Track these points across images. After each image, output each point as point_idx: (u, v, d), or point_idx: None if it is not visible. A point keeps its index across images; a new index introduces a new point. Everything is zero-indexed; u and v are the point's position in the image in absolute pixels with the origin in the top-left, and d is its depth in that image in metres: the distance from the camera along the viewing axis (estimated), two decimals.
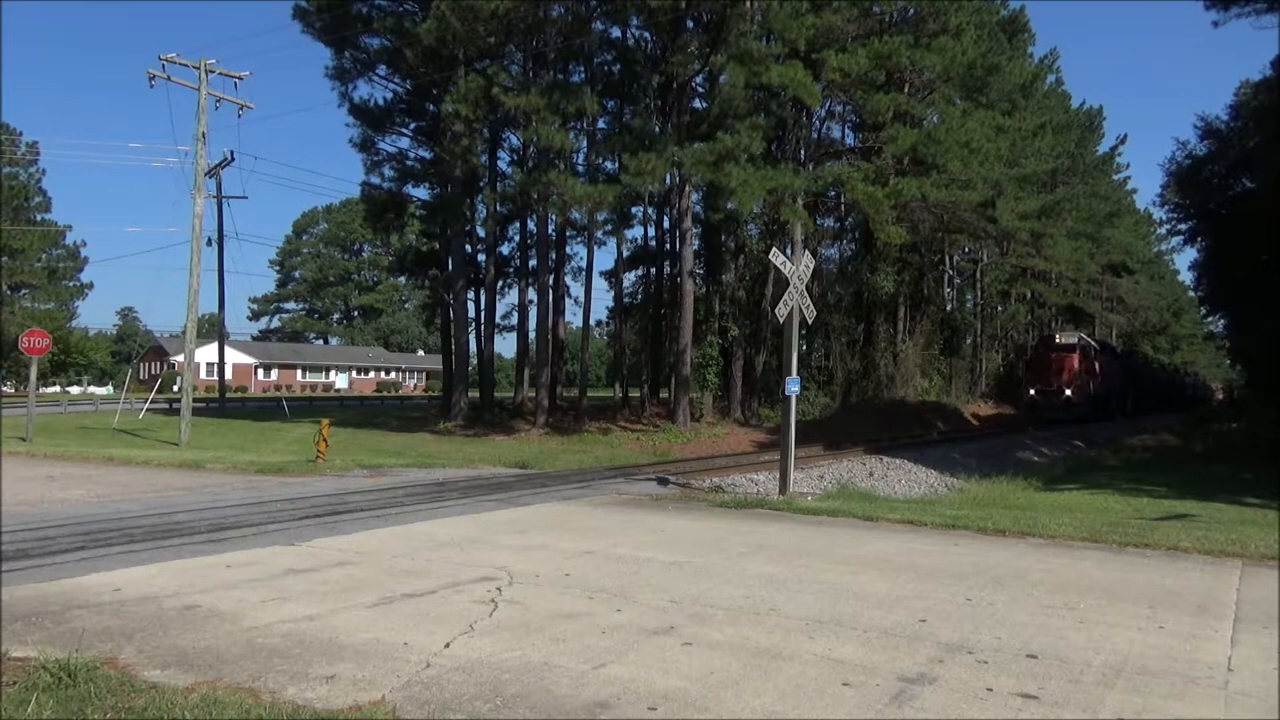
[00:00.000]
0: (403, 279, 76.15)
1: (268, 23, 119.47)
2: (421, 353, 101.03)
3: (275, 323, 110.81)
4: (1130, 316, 67.87)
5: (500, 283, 37.97)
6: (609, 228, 38.13)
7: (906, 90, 32.35)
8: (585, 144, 32.55)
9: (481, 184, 33.27)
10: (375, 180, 35.28)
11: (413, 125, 35.27)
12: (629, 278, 42.50)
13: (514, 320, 40.42)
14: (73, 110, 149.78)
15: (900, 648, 5.13)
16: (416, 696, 4.22)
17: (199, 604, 6.03)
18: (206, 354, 60.15)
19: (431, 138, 33.41)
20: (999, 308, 57.97)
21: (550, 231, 32.46)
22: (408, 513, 11.00)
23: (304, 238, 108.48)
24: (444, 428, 29.86)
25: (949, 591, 6.64)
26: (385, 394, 76.05)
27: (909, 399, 39.08)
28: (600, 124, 33.21)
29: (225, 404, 40.31)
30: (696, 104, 31.36)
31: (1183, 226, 47.11)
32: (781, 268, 13.32)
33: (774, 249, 15.43)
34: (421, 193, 36.41)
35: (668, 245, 35.85)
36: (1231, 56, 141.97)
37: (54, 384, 65.67)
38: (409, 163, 35.12)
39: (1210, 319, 70.86)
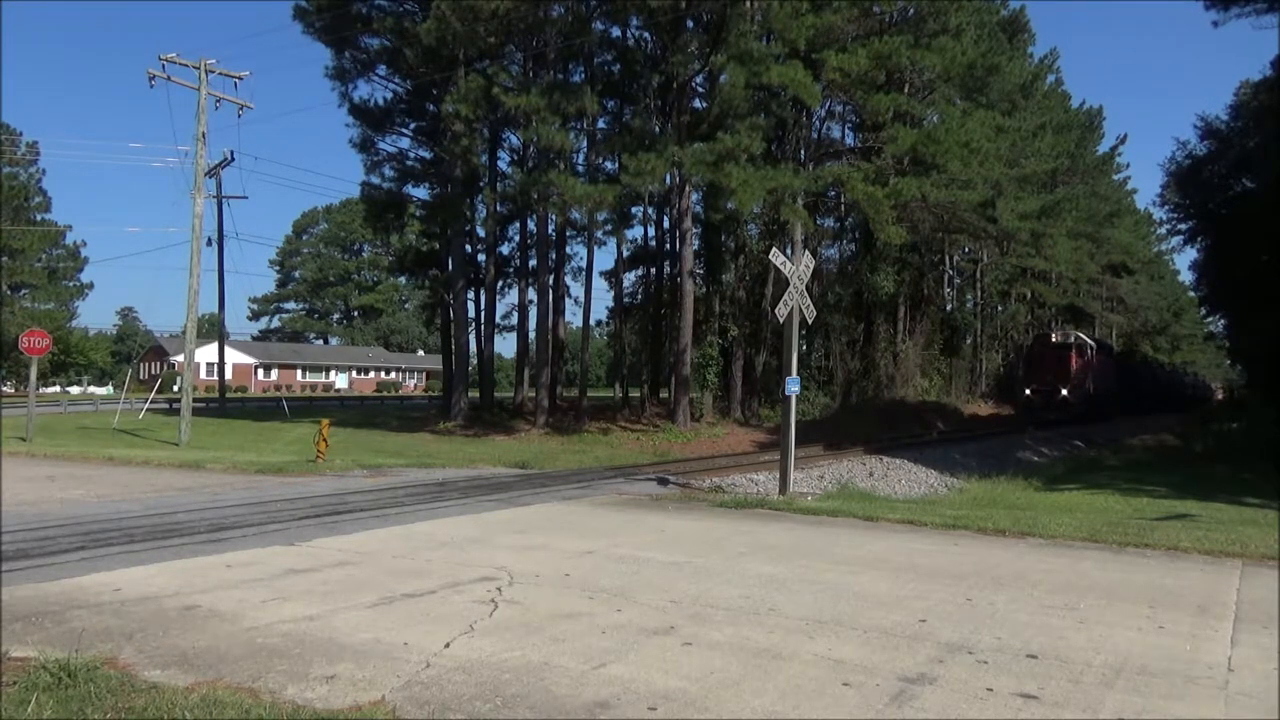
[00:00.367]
0: (403, 279, 76.23)
1: (268, 23, 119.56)
2: (421, 353, 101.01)
3: (275, 323, 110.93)
4: (1130, 316, 67.87)
5: (500, 283, 37.98)
6: (609, 228, 38.16)
7: (906, 90, 32.36)
8: (585, 144, 32.58)
9: (481, 184, 33.27)
10: (375, 180, 35.37)
11: (413, 125, 35.33)
12: (629, 278, 42.57)
13: (514, 320, 40.47)
14: (73, 110, 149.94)
15: (900, 648, 5.13)
16: (416, 696, 4.22)
17: (199, 604, 6.03)
18: (206, 354, 60.14)
19: (431, 138, 33.42)
20: (999, 308, 57.98)
21: (550, 231, 32.46)
22: (408, 513, 11.00)
23: (304, 238, 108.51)
24: (444, 428, 29.87)
25: (949, 591, 6.64)
26: (385, 394, 76.04)
27: (909, 399, 39.09)
28: (600, 124, 33.28)
29: (225, 404, 40.32)
30: (696, 104, 31.39)
31: (1183, 226, 47.20)
32: (781, 268, 13.32)
33: (774, 249, 15.43)
34: (421, 193, 36.48)
35: (668, 245, 35.86)
36: (1231, 56, 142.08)
37: (54, 384, 65.69)
38: (409, 163, 35.19)
39: (1210, 319, 70.92)
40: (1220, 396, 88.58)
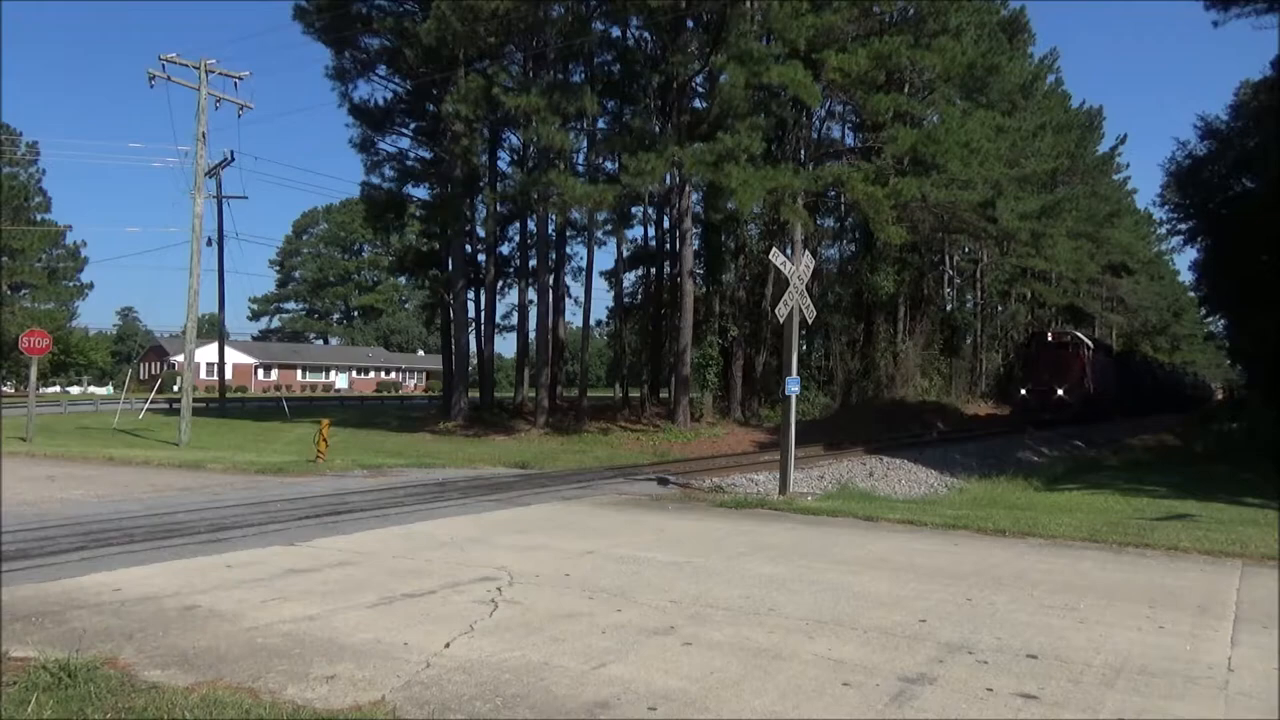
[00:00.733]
0: (403, 279, 76.15)
1: (268, 23, 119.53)
2: (421, 353, 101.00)
3: (275, 323, 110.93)
4: (1130, 316, 67.89)
5: (500, 283, 37.98)
6: (609, 228, 38.18)
7: (906, 90, 32.39)
8: (585, 144, 32.62)
9: (481, 184, 33.27)
10: (375, 180, 35.34)
11: (413, 125, 35.30)
12: (629, 278, 42.57)
13: (514, 320, 40.50)
14: (73, 110, 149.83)
15: (900, 648, 5.13)
16: (416, 696, 4.22)
17: (199, 604, 6.03)
18: (206, 354, 60.13)
19: (431, 138, 33.41)
20: (999, 308, 57.98)
21: (550, 231, 32.47)
22: (408, 513, 11.00)
23: (304, 238, 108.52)
24: (444, 428, 29.87)
25: (949, 591, 6.64)
26: (385, 394, 76.04)
27: (909, 399, 39.06)
28: (600, 124, 33.28)
29: (225, 404, 40.32)
30: (696, 104, 31.41)
31: (1183, 226, 47.24)
32: (781, 268, 13.32)
33: (774, 249, 15.43)
34: (421, 193, 36.45)
35: (668, 245, 35.86)
36: (1231, 56, 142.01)
37: (54, 384, 65.70)
38: (409, 163, 35.16)
39: (1210, 319, 70.98)
40: (1220, 396, 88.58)
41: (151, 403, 37.50)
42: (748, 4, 26.59)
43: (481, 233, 35.37)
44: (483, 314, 35.45)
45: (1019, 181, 36.35)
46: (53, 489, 13.31)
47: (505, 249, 38.10)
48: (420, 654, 4.89)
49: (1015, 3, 45.88)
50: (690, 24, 28.56)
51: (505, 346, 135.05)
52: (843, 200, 36.00)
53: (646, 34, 31.39)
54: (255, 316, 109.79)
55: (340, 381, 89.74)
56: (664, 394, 36.82)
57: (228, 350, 46.15)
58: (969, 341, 52.43)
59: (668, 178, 28.61)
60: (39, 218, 62.04)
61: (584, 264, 49.71)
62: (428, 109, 33.56)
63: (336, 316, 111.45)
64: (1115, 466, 25.16)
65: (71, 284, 66.11)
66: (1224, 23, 29.07)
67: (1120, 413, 41.84)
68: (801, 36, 25.20)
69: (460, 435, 28.15)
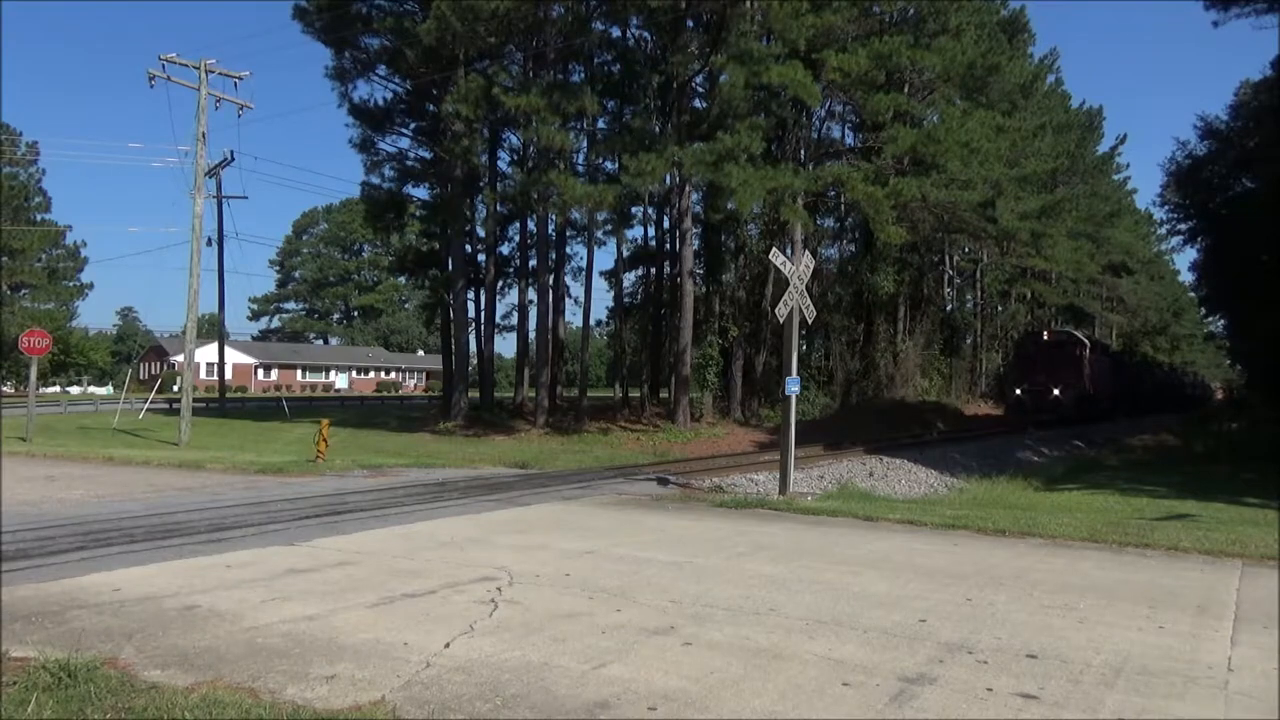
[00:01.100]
0: (403, 279, 76.04)
1: (268, 23, 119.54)
2: (421, 353, 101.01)
3: (275, 323, 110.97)
4: (1130, 316, 67.90)
5: (500, 283, 37.98)
6: (609, 228, 38.17)
7: (906, 90, 32.36)
8: (585, 144, 32.60)
9: (481, 184, 33.27)
10: (375, 180, 35.37)
11: (413, 125, 35.30)
12: (629, 278, 42.55)
13: (514, 320, 40.46)
14: (73, 110, 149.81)
15: (900, 648, 5.13)
16: (416, 696, 4.22)
17: (199, 604, 6.03)
18: (206, 354, 60.15)
19: (431, 138, 33.40)
20: (999, 308, 58.00)
21: (550, 231, 32.47)
22: (408, 513, 11.00)
23: (304, 238, 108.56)
24: (444, 428, 29.86)
25: (949, 591, 6.64)
26: (385, 394, 76.01)
27: (909, 399, 39.07)
28: (600, 124, 33.29)
29: (225, 404, 40.32)
30: (696, 104, 31.40)
31: (1183, 226, 47.30)
32: (781, 268, 13.32)
33: (774, 249, 15.43)
34: (421, 193, 36.47)
35: (668, 245, 35.86)
36: (1231, 56, 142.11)
37: (54, 384, 65.65)
38: (409, 163, 35.17)
39: (1210, 319, 71.00)
40: (1220, 396, 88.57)
41: (151, 403, 37.50)
42: (748, 4, 26.59)
43: (481, 233, 35.39)
44: (483, 314, 35.47)
45: (1019, 181, 36.32)
46: (53, 489, 13.31)
47: (505, 249, 38.14)
48: (420, 654, 4.89)
49: (1015, 3, 45.92)
50: (690, 24, 28.58)
51: (505, 346, 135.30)
52: (843, 200, 36.00)
53: (646, 34, 31.41)
54: (255, 316, 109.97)
55: (340, 381, 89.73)
56: (664, 394, 36.81)
57: (228, 350, 46.15)
58: (969, 341, 52.47)
59: (668, 178, 28.60)
60: (39, 218, 62.08)
61: (584, 264, 49.88)
62: (428, 109, 33.56)
63: (336, 316, 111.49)
64: (1115, 466, 25.16)
65: (71, 284, 66.15)
66: (1224, 23, 29.14)
67: (1120, 413, 41.72)
68: (801, 36, 25.19)
69: (460, 435, 28.14)
